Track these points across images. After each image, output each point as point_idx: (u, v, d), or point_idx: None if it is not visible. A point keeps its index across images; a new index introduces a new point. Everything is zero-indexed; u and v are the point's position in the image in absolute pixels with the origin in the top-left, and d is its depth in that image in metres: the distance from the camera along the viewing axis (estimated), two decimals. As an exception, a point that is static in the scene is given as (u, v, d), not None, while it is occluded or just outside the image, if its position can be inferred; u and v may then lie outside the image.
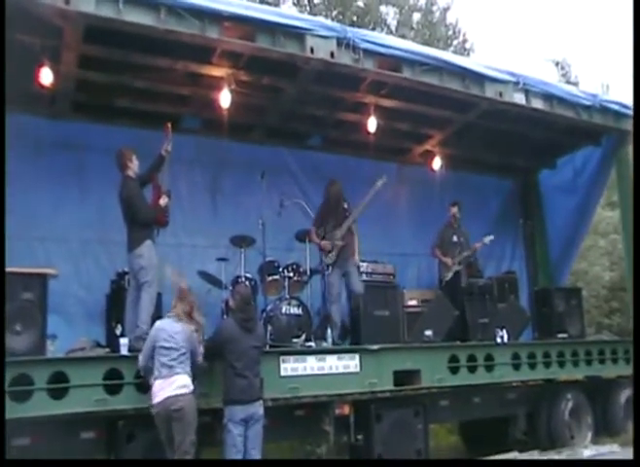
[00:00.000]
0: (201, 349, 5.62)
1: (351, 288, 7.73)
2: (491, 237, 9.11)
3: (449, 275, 8.96)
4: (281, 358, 6.38)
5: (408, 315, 8.32)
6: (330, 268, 7.67)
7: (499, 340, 7.88)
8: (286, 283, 7.72)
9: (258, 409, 5.60)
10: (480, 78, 7.92)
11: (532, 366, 8.07)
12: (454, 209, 9.22)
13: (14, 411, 5.00)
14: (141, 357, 5.45)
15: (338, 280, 7.66)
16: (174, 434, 5.18)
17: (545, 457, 7.78)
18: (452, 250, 9.02)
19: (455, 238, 9.15)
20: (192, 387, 5.32)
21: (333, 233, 7.74)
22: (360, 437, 6.76)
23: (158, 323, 5.56)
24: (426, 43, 15.05)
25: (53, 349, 5.81)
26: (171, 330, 5.42)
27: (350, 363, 6.75)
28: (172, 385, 5.21)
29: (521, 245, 11.68)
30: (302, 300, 7.67)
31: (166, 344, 5.32)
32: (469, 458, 8.65)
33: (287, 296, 7.57)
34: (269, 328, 7.10)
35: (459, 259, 8.97)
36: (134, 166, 6.57)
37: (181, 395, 5.20)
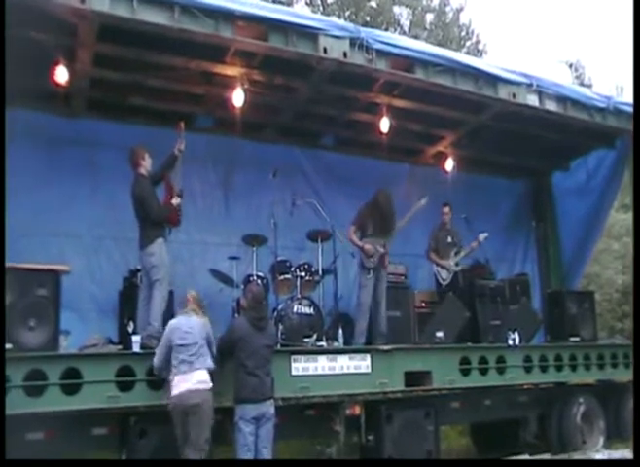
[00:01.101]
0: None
1: (376, 297, 7.59)
2: (486, 235, 8.96)
3: (449, 278, 8.92)
4: (292, 357, 6.38)
5: (419, 316, 8.33)
6: (370, 272, 7.52)
7: (511, 342, 7.85)
8: (297, 283, 7.72)
9: (269, 408, 5.61)
10: (493, 79, 7.88)
11: (544, 369, 8.03)
12: (446, 209, 9.18)
13: (28, 405, 5.06)
14: (156, 358, 5.47)
15: (372, 287, 7.56)
16: (189, 429, 5.20)
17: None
18: (449, 252, 8.96)
19: (450, 239, 9.07)
20: (210, 384, 5.35)
21: (375, 239, 7.60)
22: (370, 437, 6.76)
23: (171, 322, 5.58)
24: (439, 44, 15.04)
25: (65, 345, 5.83)
26: (186, 326, 5.46)
27: (361, 363, 6.75)
28: (191, 380, 5.25)
29: (534, 247, 11.62)
30: (314, 299, 7.67)
31: (183, 342, 5.36)
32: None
33: (298, 295, 7.56)
34: (281, 327, 7.09)
35: (457, 259, 8.94)
36: (147, 164, 6.58)
37: (199, 390, 5.24)
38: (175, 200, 6.57)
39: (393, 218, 7.76)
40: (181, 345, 5.35)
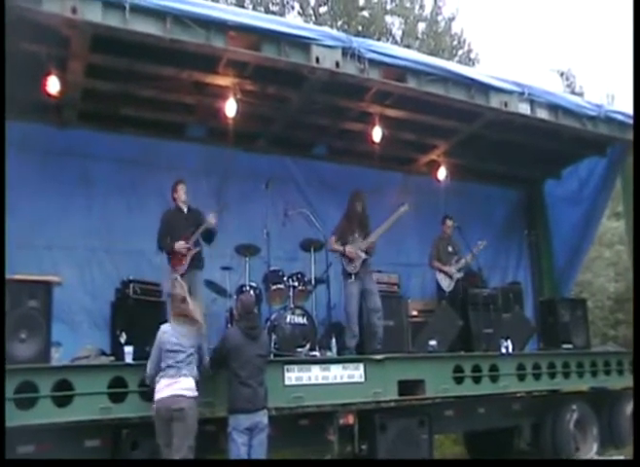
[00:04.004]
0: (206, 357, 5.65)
1: (370, 307, 7.61)
2: (485, 242, 9.11)
3: (452, 285, 8.94)
4: (285, 367, 6.35)
5: (412, 325, 8.33)
6: (352, 277, 7.57)
7: (504, 350, 7.86)
8: (290, 292, 7.72)
9: (262, 418, 5.59)
10: (485, 88, 7.90)
11: (537, 376, 8.01)
12: (449, 223, 9.24)
13: (18, 418, 5.00)
14: (149, 365, 5.44)
15: (358, 293, 7.59)
16: (173, 436, 5.16)
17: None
18: (450, 260, 9.04)
19: (450, 249, 9.17)
20: (196, 393, 5.31)
21: (356, 243, 7.64)
22: (364, 447, 6.73)
23: (162, 327, 5.55)
24: (431, 53, 15.06)
25: (57, 357, 5.80)
26: (178, 332, 5.43)
27: (355, 373, 6.72)
28: (176, 385, 5.22)
29: (526, 256, 11.65)
30: (307, 309, 7.66)
31: (173, 347, 5.34)
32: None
33: (291, 305, 7.56)
34: (274, 337, 7.09)
35: (458, 267, 8.97)
36: (179, 196, 7.20)
37: (184, 396, 5.20)
38: (177, 245, 6.91)
39: (368, 218, 7.88)
40: (170, 351, 5.33)
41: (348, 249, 7.59)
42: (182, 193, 7.22)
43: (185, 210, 7.25)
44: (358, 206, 7.87)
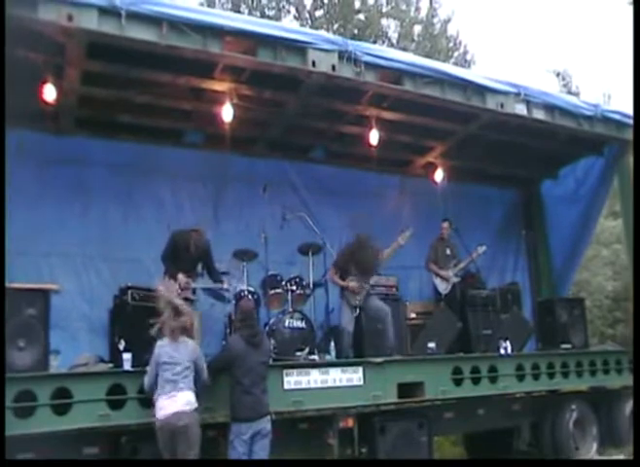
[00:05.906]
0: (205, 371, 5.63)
1: (372, 305, 7.60)
2: (485, 248, 9.12)
3: (448, 288, 8.94)
4: (284, 371, 6.36)
5: (410, 328, 8.34)
6: (357, 310, 7.51)
7: (502, 351, 7.87)
8: (289, 296, 7.71)
9: (266, 424, 5.60)
10: (481, 89, 7.93)
11: (536, 377, 8.02)
12: (445, 225, 9.23)
13: (17, 427, 4.99)
14: (146, 379, 5.40)
15: (354, 318, 7.57)
16: (178, 450, 5.15)
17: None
18: (448, 263, 9.05)
19: (448, 252, 9.18)
20: (196, 404, 5.30)
21: (360, 276, 7.52)
22: (364, 450, 6.73)
23: (159, 342, 5.51)
24: (427, 55, 15.11)
25: (56, 365, 5.79)
26: (173, 347, 5.41)
27: (354, 376, 6.72)
28: (177, 402, 5.18)
29: (524, 256, 11.64)
30: (305, 313, 7.66)
31: (169, 360, 5.31)
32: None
33: (290, 309, 7.56)
34: (272, 341, 7.08)
35: (456, 271, 8.98)
36: (196, 238, 7.08)
37: (186, 412, 5.18)
38: (180, 277, 6.81)
39: (373, 261, 7.63)
40: (166, 363, 5.30)
41: (352, 284, 7.49)
42: (200, 238, 7.14)
43: (193, 249, 7.11)
44: (362, 251, 7.54)
